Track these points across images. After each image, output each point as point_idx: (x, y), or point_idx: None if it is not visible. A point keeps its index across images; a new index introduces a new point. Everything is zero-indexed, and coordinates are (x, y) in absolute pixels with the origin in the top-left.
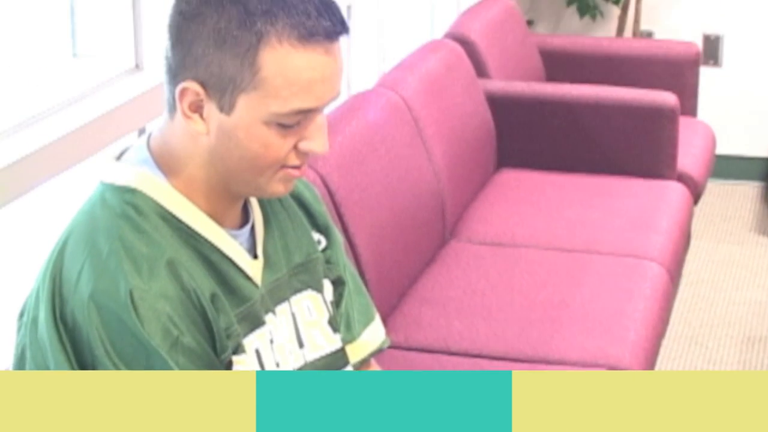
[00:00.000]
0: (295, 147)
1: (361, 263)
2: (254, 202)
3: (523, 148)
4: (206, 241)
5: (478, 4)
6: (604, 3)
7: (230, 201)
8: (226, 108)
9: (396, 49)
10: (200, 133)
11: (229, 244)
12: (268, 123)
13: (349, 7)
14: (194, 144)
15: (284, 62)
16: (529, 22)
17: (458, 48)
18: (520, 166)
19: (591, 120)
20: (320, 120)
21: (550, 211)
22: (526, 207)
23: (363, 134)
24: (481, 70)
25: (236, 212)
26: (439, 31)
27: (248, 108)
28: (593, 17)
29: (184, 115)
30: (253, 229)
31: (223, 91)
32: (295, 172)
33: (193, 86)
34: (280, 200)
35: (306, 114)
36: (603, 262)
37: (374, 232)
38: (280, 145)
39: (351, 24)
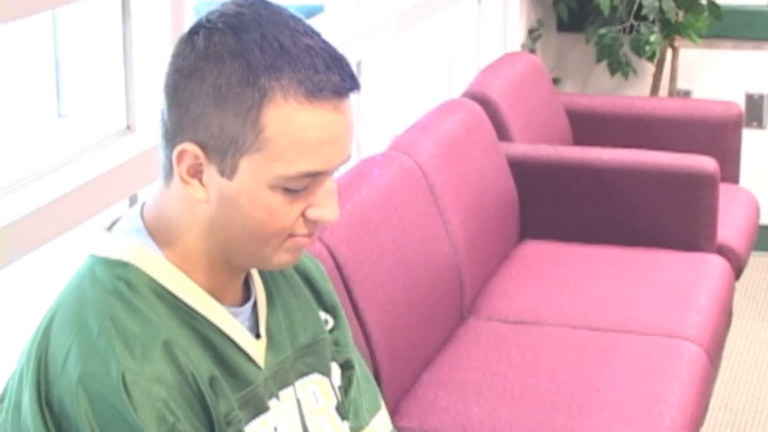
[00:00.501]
0: (303, 214)
1: (372, 342)
2: (256, 278)
3: (548, 217)
4: (205, 319)
5: (500, 61)
6: (638, 60)
7: (231, 275)
8: (228, 172)
9: (410, 109)
10: (199, 200)
11: (230, 323)
12: (273, 187)
13: (359, 63)
14: (192, 212)
15: (290, 120)
16: (555, 81)
17: (478, 108)
18: (545, 238)
19: (623, 187)
20: (329, 185)
21: (578, 287)
22: (551, 282)
23: (374, 202)
24: (502, 133)
25: (237, 288)
26: (457, 90)
27: (251, 171)
28: (625, 75)
29: (182, 180)
30: (255, 306)
31: (224, 153)
32: (304, 241)
33: (191, 148)
34: (284, 276)
35: (314, 178)
36: (636, 342)
37: (386, 308)
38: (286, 212)
39: (361, 81)
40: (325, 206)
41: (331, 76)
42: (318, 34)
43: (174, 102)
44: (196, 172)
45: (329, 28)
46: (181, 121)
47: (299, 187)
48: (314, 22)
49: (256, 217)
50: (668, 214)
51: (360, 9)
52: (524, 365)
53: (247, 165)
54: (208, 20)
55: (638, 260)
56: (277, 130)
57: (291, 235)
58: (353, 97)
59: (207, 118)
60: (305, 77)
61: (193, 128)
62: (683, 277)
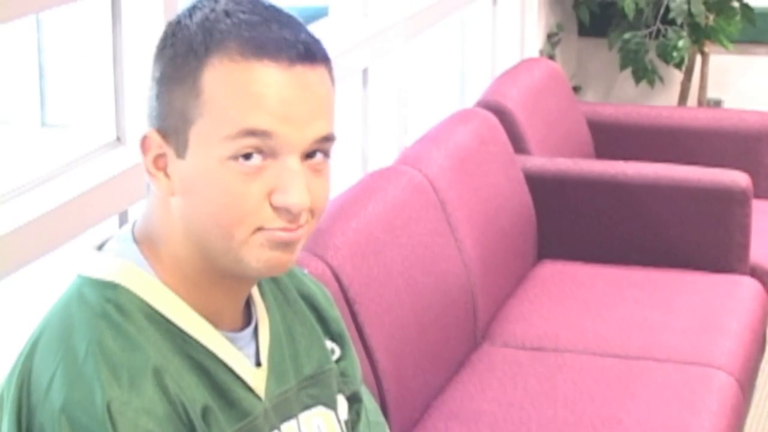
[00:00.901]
0: (270, 203)
1: (379, 370)
2: (258, 302)
3: (568, 236)
4: (199, 344)
5: (516, 67)
6: (664, 67)
7: (225, 294)
8: (181, 150)
9: (420, 119)
10: (165, 192)
11: (226, 349)
12: (223, 161)
13: (365, 71)
14: (169, 215)
15: (227, 78)
16: (576, 89)
17: (493, 118)
18: (565, 257)
19: (648, 203)
20: (293, 165)
21: (600, 311)
22: (571, 305)
23: (381, 219)
24: (519, 145)
25: (236, 312)
26: (470, 99)
27: (200, 143)
28: (651, 83)
29: (148, 173)
30: (256, 332)
31: (177, 132)
32: (281, 235)
33: (152, 135)
34: (288, 301)
35: (264, 141)
36: (661, 370)
37: (394, 333)
38: (243, 193)
39: (368, 90)
40: (288, 190)
41: (273, 35)
42: (290, 15)
43: (148, 101)
44: (163, 165)
45: (334, 32)
46: (150, 113)
47: (247, 150)
48: (318, 27)
49: (213, 200)
50: (697, 233)
51: (367, 12)
52: (542, 395)
53: (195, 137)
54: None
55: (665, 282)
56: (214, 91)
57: (261, 228)
58: (360, 103)
59: (161, 99)
60: (245, 39)
61: (156, 116)
62: (713, 300)
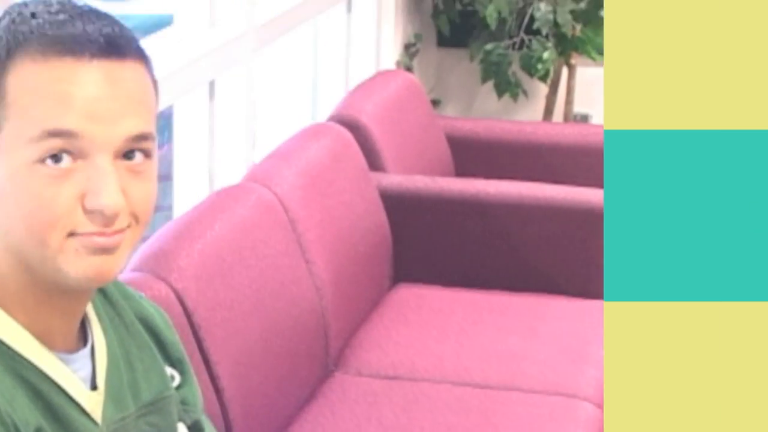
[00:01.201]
0: (83, 206)
1: (224, 398)
2: (94, 322)
3: (425, 258)
4: (30, 364)
5: (372, 80)
6: (529, 79)
7: (53, 311)
8: None
9: (270, 134)
10: None
11: (59, 370)
12: (30, 164)
13: (211, 83)
14: None
15: (30, 79)
16: (435, 103)
17: (346, 134)
18: (423, 281)
19: (511, 224)
20: (103, 165)
21: (460, 338)
22: (429, 331)
23: (228, 239)
24: (374, 162)
25: (70, 331)
26: (322, 113)
27: (8, 149)
28: (515, 97)
29: None
30: (92, 354)
31: None
32: (96, 240)
33: None
34: (125, 324)
35: (70, 142)
36: (525, 401)
37: (241, 360)
38: (53, 197)
39: (214, 103)
40: (99, 191)
41: (76, 31)
42: (100, 13)
43: None
44: None
45: (178, 42)
46: None
47: (53, 152)
48: (162, 36)
49: (24, 206)
50: (562, 255)
51: (213, 21)
52: (398, 426)
53: (3, 144)
54: None
55: (528, 308)
56: (18, 93)
57: (74, 233)
58: (206, 117)
59: None
60: (46, 38)
61: None
62: (579, 327)
